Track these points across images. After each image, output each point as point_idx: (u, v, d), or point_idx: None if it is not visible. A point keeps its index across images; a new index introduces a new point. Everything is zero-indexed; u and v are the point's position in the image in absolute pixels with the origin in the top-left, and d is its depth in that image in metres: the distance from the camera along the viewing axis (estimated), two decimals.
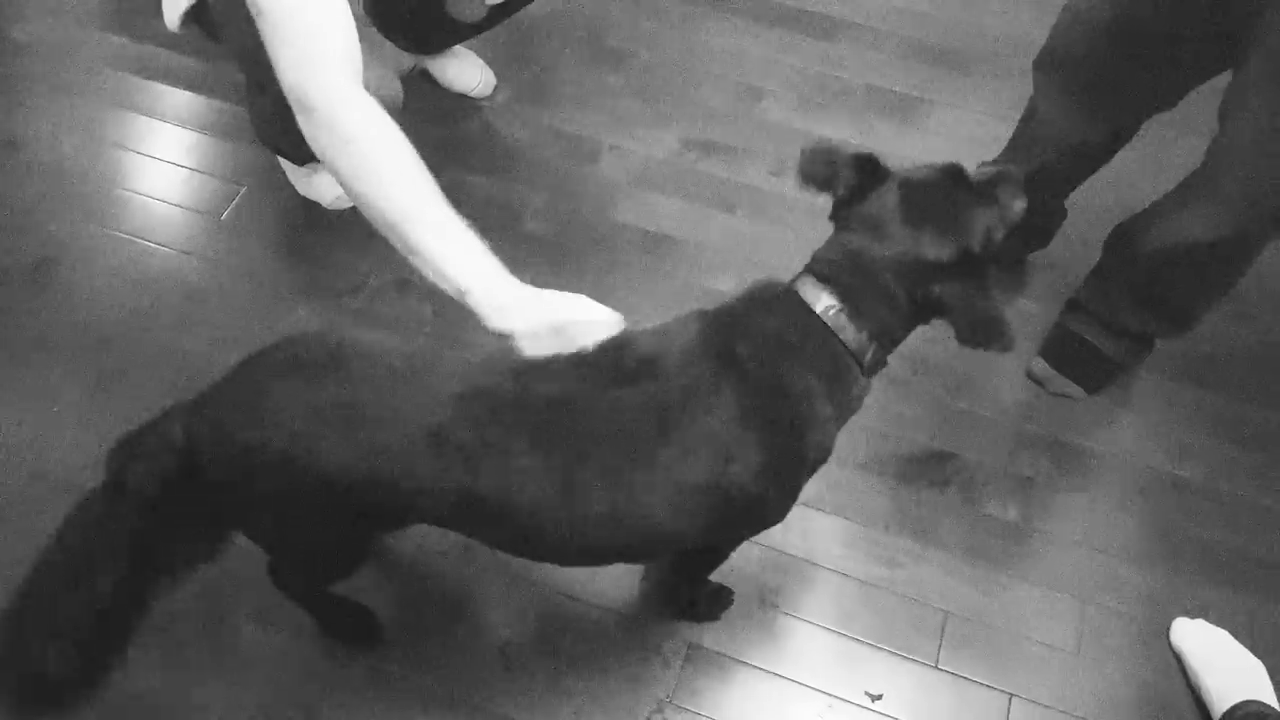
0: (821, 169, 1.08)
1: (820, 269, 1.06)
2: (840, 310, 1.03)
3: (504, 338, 1.08)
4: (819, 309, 1.03)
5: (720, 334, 1.04)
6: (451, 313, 1.80)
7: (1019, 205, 1.11)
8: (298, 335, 1.07)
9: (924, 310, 1.04)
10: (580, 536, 1.02)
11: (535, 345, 1.01)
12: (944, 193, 1.05)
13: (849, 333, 1.03)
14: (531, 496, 0.99)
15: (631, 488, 0.99)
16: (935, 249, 1.01)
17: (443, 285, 1.05)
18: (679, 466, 0.99)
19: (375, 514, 1.09)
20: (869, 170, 1.08)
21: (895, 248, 1.02)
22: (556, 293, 1.05)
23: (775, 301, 1.05)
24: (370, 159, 1.09)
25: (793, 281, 1.08)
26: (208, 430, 1.02)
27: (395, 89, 1.70)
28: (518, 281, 1.07)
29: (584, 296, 1.08)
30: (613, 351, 1.03)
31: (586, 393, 1.00)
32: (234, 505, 1.09)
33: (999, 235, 1.07)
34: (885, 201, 1.04)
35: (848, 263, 1.04)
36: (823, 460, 1.12)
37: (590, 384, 1.00)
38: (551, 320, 1.01)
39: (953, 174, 1.07)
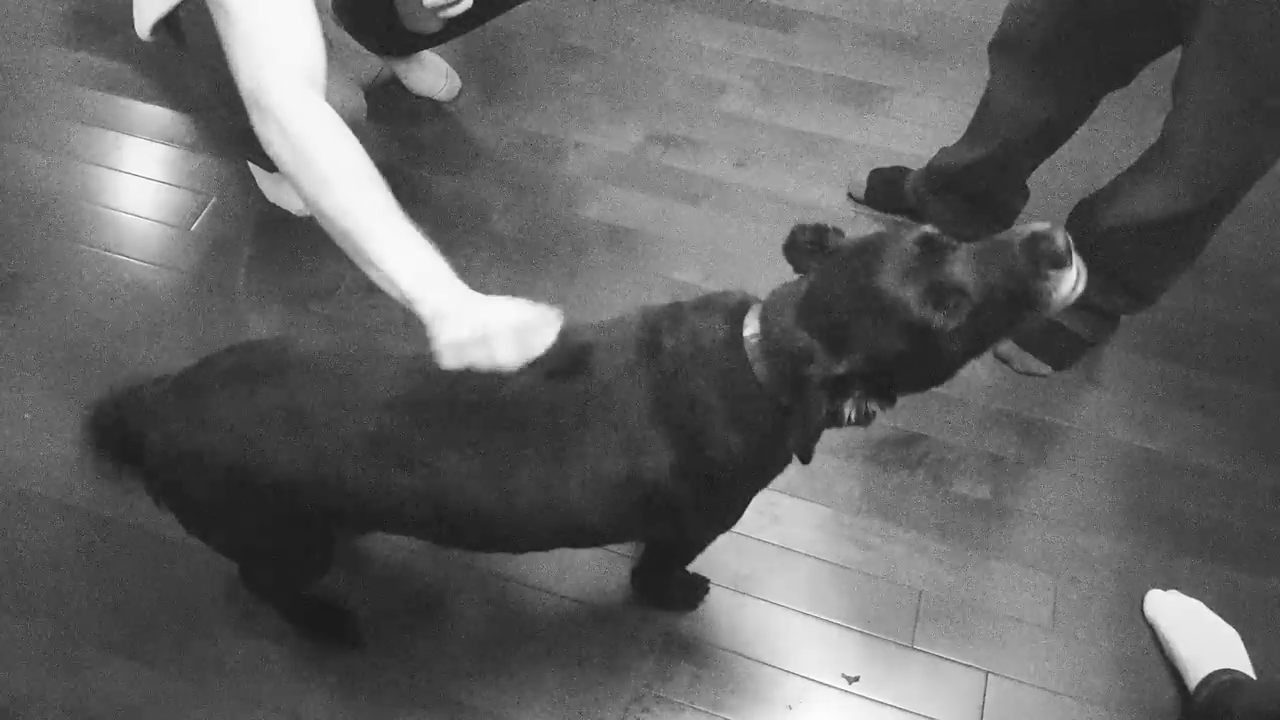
0: (791, 252, 1.03)
1: (769, 298, 1.01)
2: (759, 343, 0.98)
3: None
4: (747, 333, 0.99)
5: (654, 327, 1.04)
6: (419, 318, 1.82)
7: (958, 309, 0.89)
8: (243, 343, 1.09)
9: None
10: (519, 526, 1.04)
11: (456, 356, 1.00)
12: (851, 294, 0.91)
13: (760, 366, 0.98)
14: (470, 491, 1.00)
15: (560, 478, 1.00)
16: (812, 363, 0.92)
17: (389, 291, 1.04)
18: (598, 455, 1.00)
19: (324, 517, 1.10)
20: (821, 244, 1.00)
21: (794, 342, 0.95)
22: (498, 299, 1.04)
23: (718, 310, 1.02)
24: (323, 164, 1.08)
25: (751, 299, 1.04)
26: (157, 439, 1.03)
27: (359, 103, 1.71)
28: (466, 287, 1.05)
29: (523, 301, 1.06)
30: (557, 348, 1.02)
31: (518, 384, 1.01)
32: (183, 511, 1.10)
33: (895, 355, 0.90)
34: (822, 272, 0.97)
35: (778, 308, 0.98)
36: (750, 482, 1.10)
37: (523, 375, 1.00)
38: (477, 330, 0.99)
39: (920, 251, 0.90)
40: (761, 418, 0.99)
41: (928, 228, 0.92)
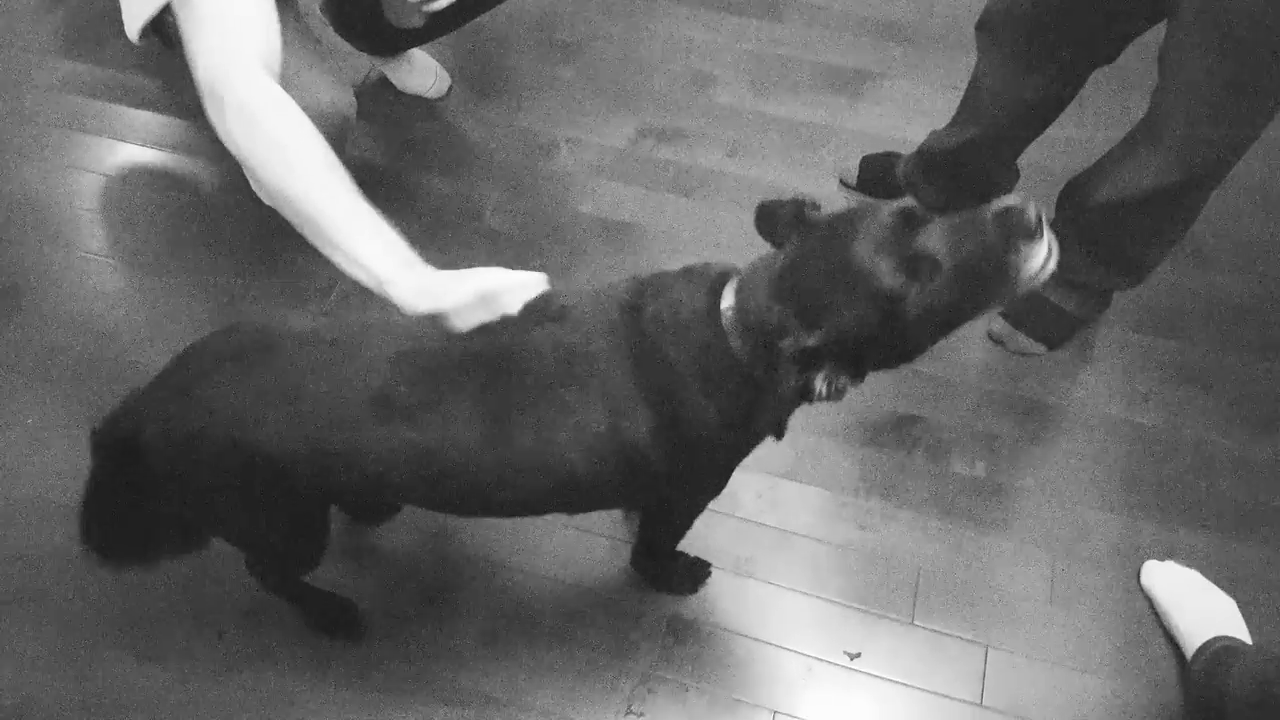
0: (764, 225, 1.04)
1: (746, 271, 1.03)
2: (735, 316, 1.00)
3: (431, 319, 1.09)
4: (724, 304, 1.01)
5: (639, 292, 1.06)
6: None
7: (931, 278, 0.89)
8: (229, 326, 1.10)
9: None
10: (510, 482, 1.05)
11: (466, 319, 1.03)
12: (824, 266, 0.92)
13: (735, 339, 0.99)
14: (464, 444, 1.02)
15: (548, 430, 1.02)
16: (784, 336, 0.93)
17: (360, 277, 1.04)
18: (582, 412, 1.02)
19: (324, 487, 1.11)
20: (799, 218, 1.00)
21: (768, 314, 0.96)
22: (473, 270, 1.06)
23: (699, 280, 1.04)
24: (282, 151, 1.07)
25: (732, 271, 1.05)
26: (154, 429, 1.05)
27: (349, 101, 1.72)
28: (431, 267, 1.07)
29: (500, 268, 1.08)
30: (541, 303, 1.06)
31: (510, 340, 1.03)
32: (187, 497, 1.12)
33: (864, 326, 0.90)
34: (796, 248, 0.98)
35: (753, 283, 1.00)
36: (725, 452, 1.11)
37: (513, 331, 1.03)
38: (477, 290, 1.02)
39: (894, 225, 0.91)
40: (736, 389, 1.01)
41: (906, 201, 0.93)
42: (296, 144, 1.08)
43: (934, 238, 0.89)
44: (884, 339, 0.92)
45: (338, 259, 1.06)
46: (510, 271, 1.05)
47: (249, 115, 1.08)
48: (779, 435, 0.95)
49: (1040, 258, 0.89)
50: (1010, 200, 0.88)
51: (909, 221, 0.90)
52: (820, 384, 0.91)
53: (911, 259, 0.89)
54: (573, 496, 1.12)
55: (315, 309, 1.88)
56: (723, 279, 1.03)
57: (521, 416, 1.02)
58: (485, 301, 1.02)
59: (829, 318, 0.91)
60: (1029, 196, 0.88)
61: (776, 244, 1.03)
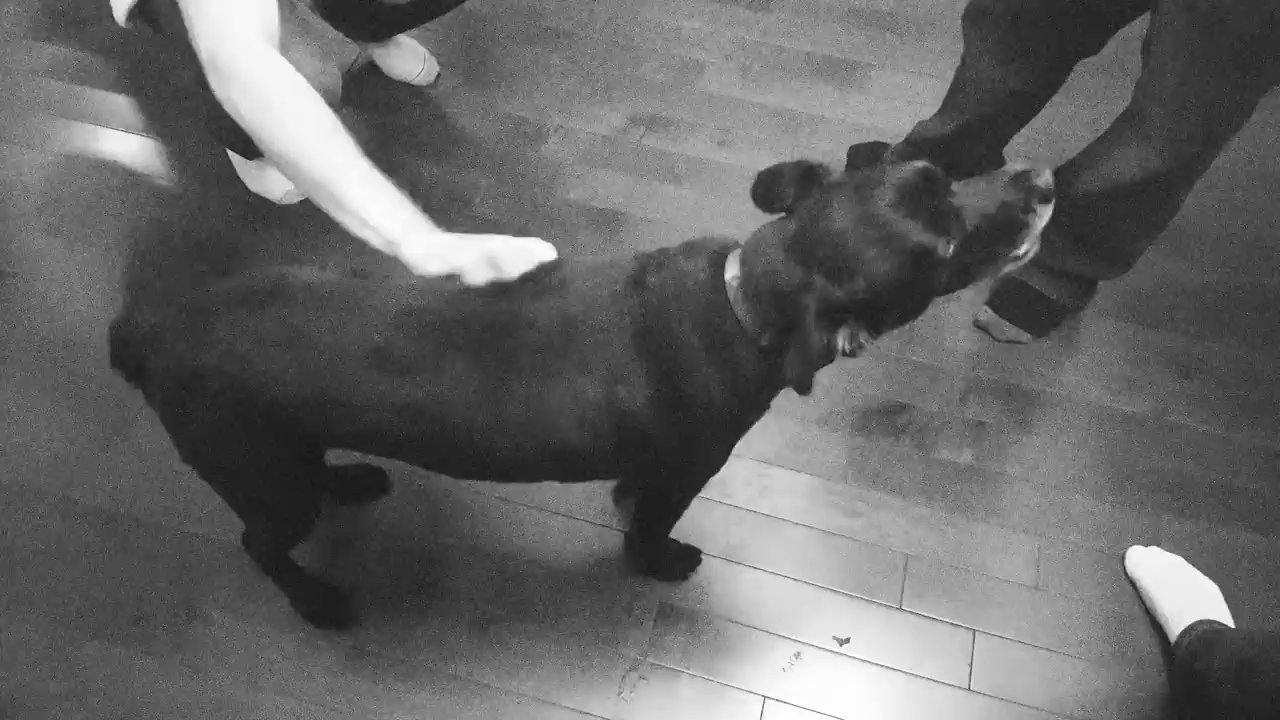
0: (764, 189, 1.05)
1: (749, 241, 1.04)
2: (740, 285, 1.01)
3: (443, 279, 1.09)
4: (728, 276, 1.02)
5: (643, 264, 1.07)
6: None
7: (952, 239, 0.95)
8: (241, 272, 1.11)
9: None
10: (505, 443, 1.06)
11: (477, 276, 1.04)
12: (852, 223, 0.94)
13: (741, 308, 1.01)
14: (461, 402, 1.03)
15: (543, 395, 1.03)
16: (809, 293, 0.94)
17: (370, 239, 1.06)
18: (579, 379, 1.03)
19: (322, 436, 1.12)
20: (810, 179, 1.02)
21: (793, 260, 0.97)
22: (479, 235, 1.07)
23: (702, 252, 1.06)
24: (291, 118, 1.09)
25: (733, 243, 1.07)
26: (159, 359, 1.06)
27: (334, 79, 1.71)
28: (439, 230, 1.09)
29: (504, 236, 1.09)
30: (544, 272, 1.06)
31: (511, 306, 1.04)
32: (183, 434, 1.12)
33: (896, 281, 0.93)
34: (809, 207, 0.99)
35: (761, 250, 1.01)
36: (727, 424, 1.12)
37: (515, 298, 1.04)
38: (487, 251, 1.03)
39: (918, 182, 0.94)
40: (740, 359, 1.03)
41: (924, 163, 0.97)
42: (301, 111, 1.09)
43: (960, 197, 0.95)
44: (908, 295, 0.96)
45: (346, 221, 1.07)
46: (514, 238, 1.06)
47: (253, 86, 1.09)
48: (805, 390, 0.97)
49: (1045, 220, 0.98)
50: (1023, 165, 0.97)
51: (930, 181, 0.95)
52: (843, 340, 0.95)
53: (940, 215, 0.93)
54: (565, 463, 1.13)
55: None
56: (724, 251, 1.05)
57: (518, 380, 1.03)
58: (492, 263, 1.03)
59: (859, 273, 0.94)
60: (1040, 161, 0.96)
61: (778, 209, 1.04)
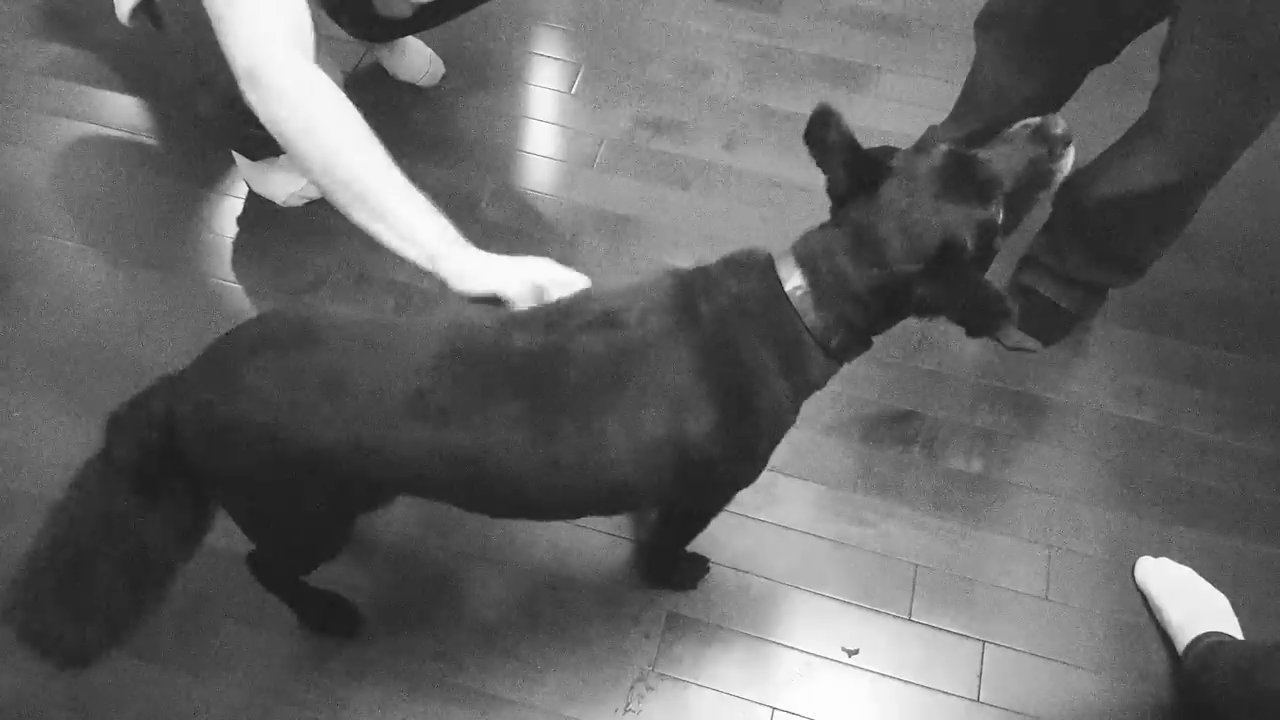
0: (820, 132, 1.04)
1: (801, 250, 1.04)
2: (807, 294, 1.02)
3: (475, 302, 1.09)
4: (788, 287, 1.02)
5: (687, 290, 1.05)
6: (414, 305, 1.82)
7: (1024, 168, 1.02)
8: (267, 313, 1.07)
9: (906, 309, 1.02)
10: (556, 486, 1.03)
11: (521, 303, 1.04)
12: (933, 191, 0.98)
13: (811, 316, 1.02)
14: (510, 447, 1.00)
15: (598, 435, 1.01)
16: (904, 261, 0.98)
17: (409, 252, 1.05)
18: (638, 416, 1.01)
19: (360, 484, 1.08)
20: (863, 166, 1.02)
21: (864, 262, 1.00)
22: (521, 258, 1.07)
23: (749, 269, 1.05)
24: (332, 131, 1.08)
25: (775, 255, 1.07)
26: (188, 410, 1.01)
27: (335, 77, 1.69)
28: (476, 248, 1.08)
29: (547, 260, 1.09)
30: (584, 303, 1.05)
31: (558, 342, 1.02)
32: (218, 485, 1.08)
33: (988, 230, 0.99)
34: (864, 210, 1.01)
35: (825, 258, 1.02)
36: (782, 431, 1.12)
37: (561, 334, 1.02)
38: (532, 280, 1.02)
39: (951, 164, 0.99)
40: (813, 364, 1.06)
41: (945, 145, 1.01)
42: (338, 124, 1.09)
43: (994, 165, 1.01)
44: (978, 261, 1.01)
45: (386, 236, 1.06)
46: (558, 265, 1.05)
47: (290, 99, 1.08)
48: (1013, 338, 1.01)
49: (1070, 160, 1.05)
50: (1036, 119, 1.04)
51: (959, 158, 1.00)
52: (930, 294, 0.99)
53: (984, 186, 0.99)
54: (618, 499, 1.12)
55: (307, 302, 1.86)
56: (771, 263, 1.05)
57: (571, 423, 1.00)
58: (538, 293, 1.03)
59: (930, 243, 0.98)
60: (1051, 112, 1.04)
61: (820, 161, 1.05)
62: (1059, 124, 1.03)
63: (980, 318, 0.97)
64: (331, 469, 1.01)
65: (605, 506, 1.17)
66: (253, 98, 1.11)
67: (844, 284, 1.01)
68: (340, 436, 0.99)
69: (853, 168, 1.02)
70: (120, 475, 1.06)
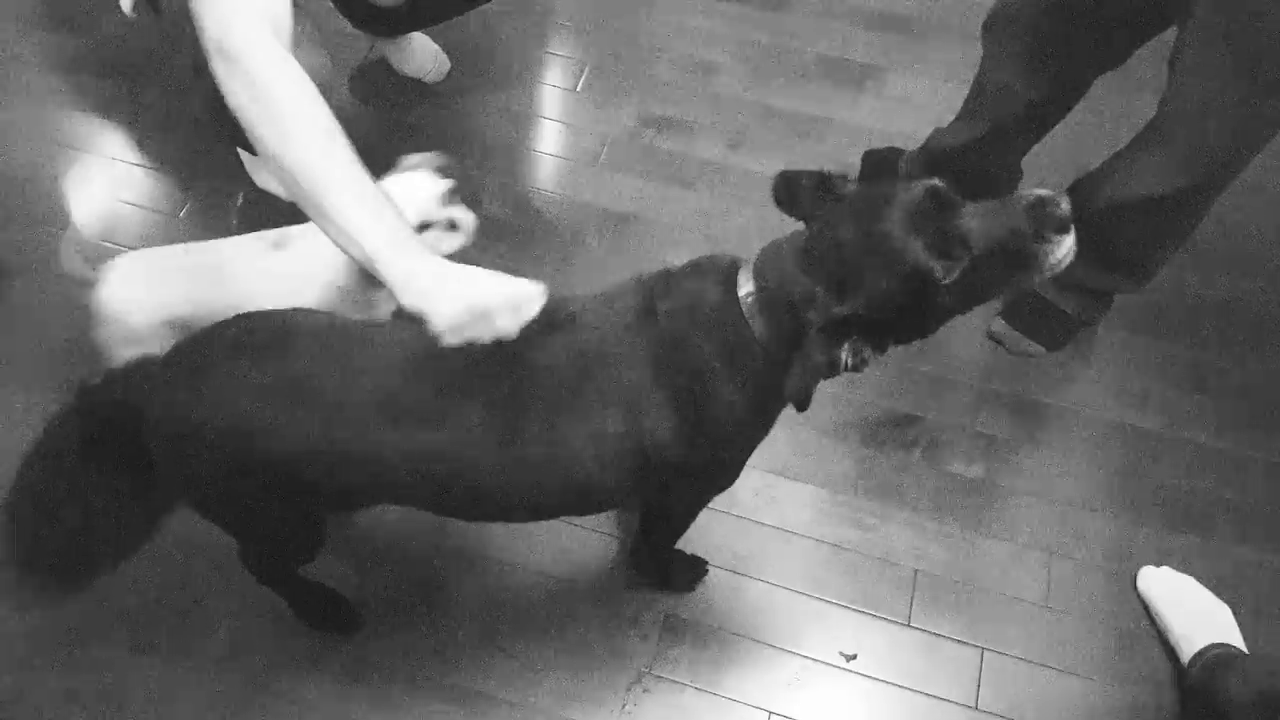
0: (785, 191, 1.04)
1: (760, 257, 1.03)
2: (755, 301, 1.01)
3: (417, 320, 1.03)
4: (741, 293, 1.01)
5: (648, 292, 1.05)
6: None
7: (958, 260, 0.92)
8: (242, 315, 1.08)
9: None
10: (523, 485, 1.04)
11: (456, 335, 0.99)
12: (857, 239, 0.94)
13: (758, 323, 1.00)
14: (477, 449, 1.01)
15: (561, 434, 1.01)
16: (827, 283, 0.95)
17: (350, 251, 1.01)
18: (597, 415, 1.01)
19: (329, 490, 1.09)
20: (827, 190, 1.01)
21: (802, 273, 0.98)
22: (472, 269, 1.02)
23: (709, 274, 1.04)
24: (287, 116, 1.04)
25: (740, 260, 1.05)
26: (158, 410, 1.02)
27: (331, 72, 1.69)
28: (433, 254, 1.03)
29: (501, 273, 1.04)
30: (549, 305, 1.03)
31: (522, 343, 1.01)
32: (182, 483, 1.10)
33: (917, 279, 0.92)
34: (820, 222, 0.99)
35: (774, 266, 1.01)
36: (748, 436, 1.11)
37: (525, 334, 1.01)
38: (470, 306, 0.99)
39: (926, 203, 0.93)
40: (760, 372, 1.02)
41: (935, 181, 0.95)
42: (300, 112, 1.04)
43: (967, 220, 0.92)
44: (910, 313, 0.94)
45: (331, 233, 1.02)
46: (507, 280, 1.01)
47: (255, 78, 1.04)
48: (803, 406, 0.96)
49: (1066, 249, 0.93)
50: (1043, 191, 0.93)
51: (939, 201, 0.93)
52: (846, 355, 0.94)
53: (944, 239, 0.91)
54: (585, 500, 1.11)
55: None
56: (733, 268, 1.04)
57: (534, 422, 1.01)
58: (478, 318, 0.99)
59: (859, 290, 0.93)
60: (1061, 189, 0.92)
61: (795, 215, 1.03)
62: (1061, 206, 0.91)
63: (802, 382, 0.94)
64: (299, 476, 1.02)
65: (574, 506, 1.17)
66: (219, 69, 1.07)
67: (785, 292, 0.98)
68: (310, 444, 1.00)
69: (822, 186, 1.01)
70: (78, 444, 1.10)
